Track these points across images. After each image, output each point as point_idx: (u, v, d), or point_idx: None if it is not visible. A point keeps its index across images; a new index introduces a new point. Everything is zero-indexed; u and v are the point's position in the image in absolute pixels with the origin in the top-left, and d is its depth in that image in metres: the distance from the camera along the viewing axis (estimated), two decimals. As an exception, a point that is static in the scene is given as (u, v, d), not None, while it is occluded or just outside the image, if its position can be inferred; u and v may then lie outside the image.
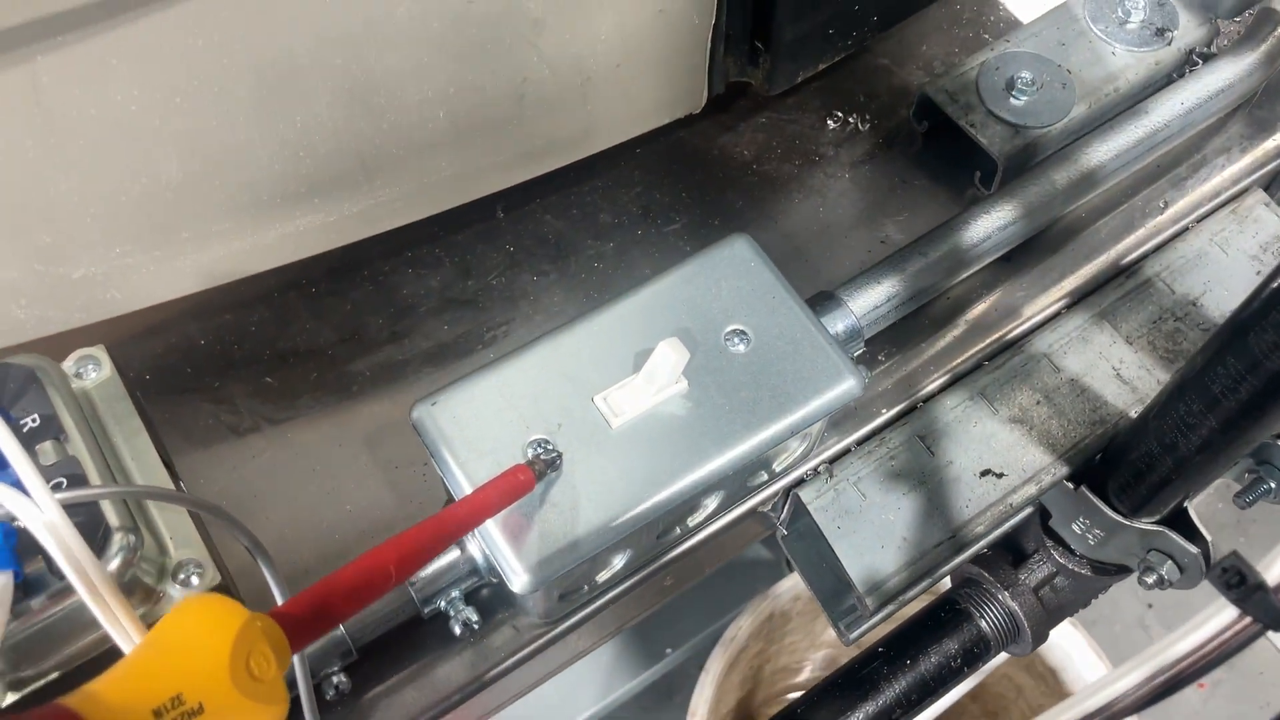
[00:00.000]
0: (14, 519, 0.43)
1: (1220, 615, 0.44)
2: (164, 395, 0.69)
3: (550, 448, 0.57)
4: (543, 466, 0.55)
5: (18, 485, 0.41)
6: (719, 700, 1.47)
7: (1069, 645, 1.52)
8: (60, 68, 0.50)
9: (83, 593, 0.40)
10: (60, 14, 0.48)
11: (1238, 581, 0.43)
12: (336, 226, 0.64)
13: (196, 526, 0.50)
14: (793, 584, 1.59)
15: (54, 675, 0.47)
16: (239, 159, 0.58)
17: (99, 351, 0.54)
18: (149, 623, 0.43)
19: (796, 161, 0.79)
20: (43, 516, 0.40)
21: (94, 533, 0.46)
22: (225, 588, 0.50)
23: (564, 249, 0.75)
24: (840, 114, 0.81)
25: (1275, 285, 0.51)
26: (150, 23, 0.51)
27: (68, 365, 0.53)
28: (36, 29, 0.48)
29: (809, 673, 1.80)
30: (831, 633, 1.73)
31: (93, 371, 0.53)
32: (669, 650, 1.82)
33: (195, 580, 0.48)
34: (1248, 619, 0.43)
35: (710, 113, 0.78)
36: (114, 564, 0.45)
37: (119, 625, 0.41)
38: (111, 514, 0.46)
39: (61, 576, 0.45)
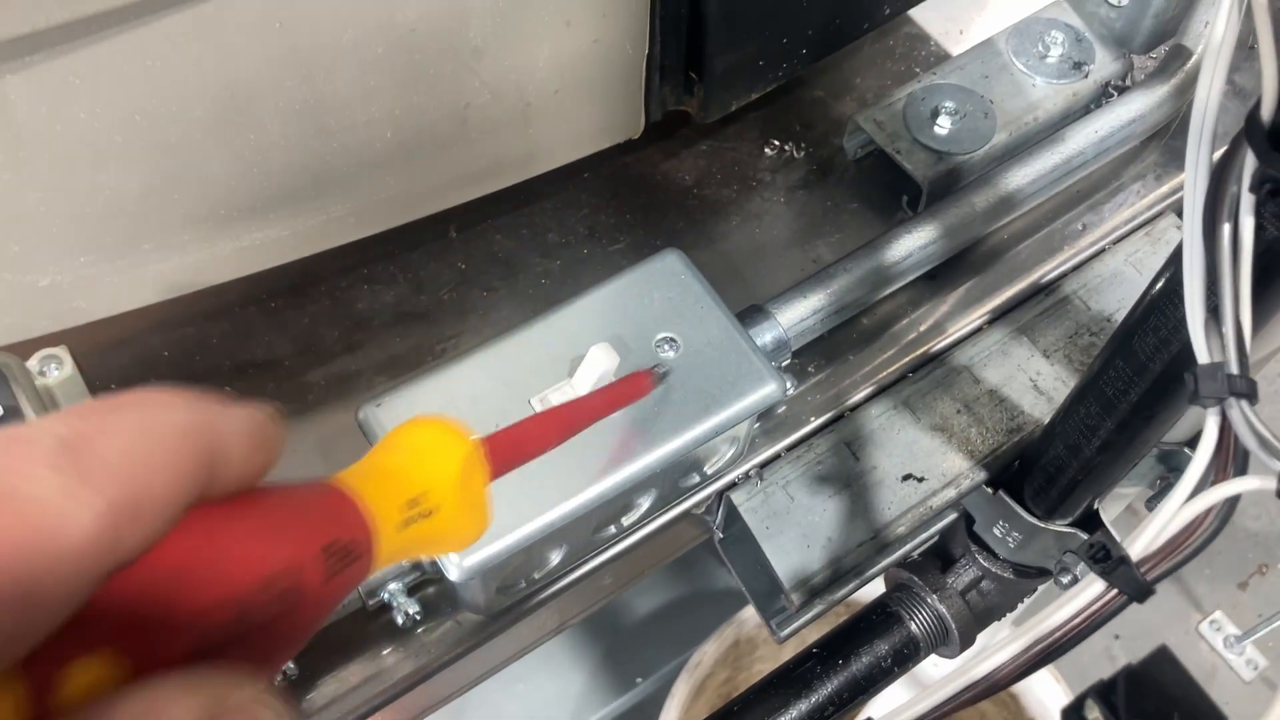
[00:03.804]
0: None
1: (1089, 589, 0.47)
2: (127, 403, 0.72)
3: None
4: (658, 377, 0.62)
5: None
6: (684, 727, 1.49)
7: (1028, 670, 1.55)
8: (26, 85, 0.54)
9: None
10: (25, 35, 0.52)
11: (1103, 556, 0.46)
12: (291, 241, 0.67)
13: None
14: (757, 610, 1.62)
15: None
16: (197, 174, 0.62)
17: (61, 351, 0.57)
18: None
19: (735, 187, 0.84)
20: None
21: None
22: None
23: (513, 267, 0.80)
24: (777, 142, 0.86)
25: (1155, 291, 0.55)
26: (110, 45, 0.54)
27: (31, 364, 0.56)
28: (4, 49, 0.52)
29: (776, 703, 1.81)
30: (798, 661, 1.76)
31: (55, 370, 0.57)
32: (639, 680, 1.84)
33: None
34: (1114, 591, 0.47)
35: (654, 140, 0.83)
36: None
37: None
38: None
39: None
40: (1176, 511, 0.45)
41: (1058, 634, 0.48)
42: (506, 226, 0.81)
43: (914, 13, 0.94)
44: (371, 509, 0.32)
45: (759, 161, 0.85)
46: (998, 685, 0.49)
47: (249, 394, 0.73)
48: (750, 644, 1.67)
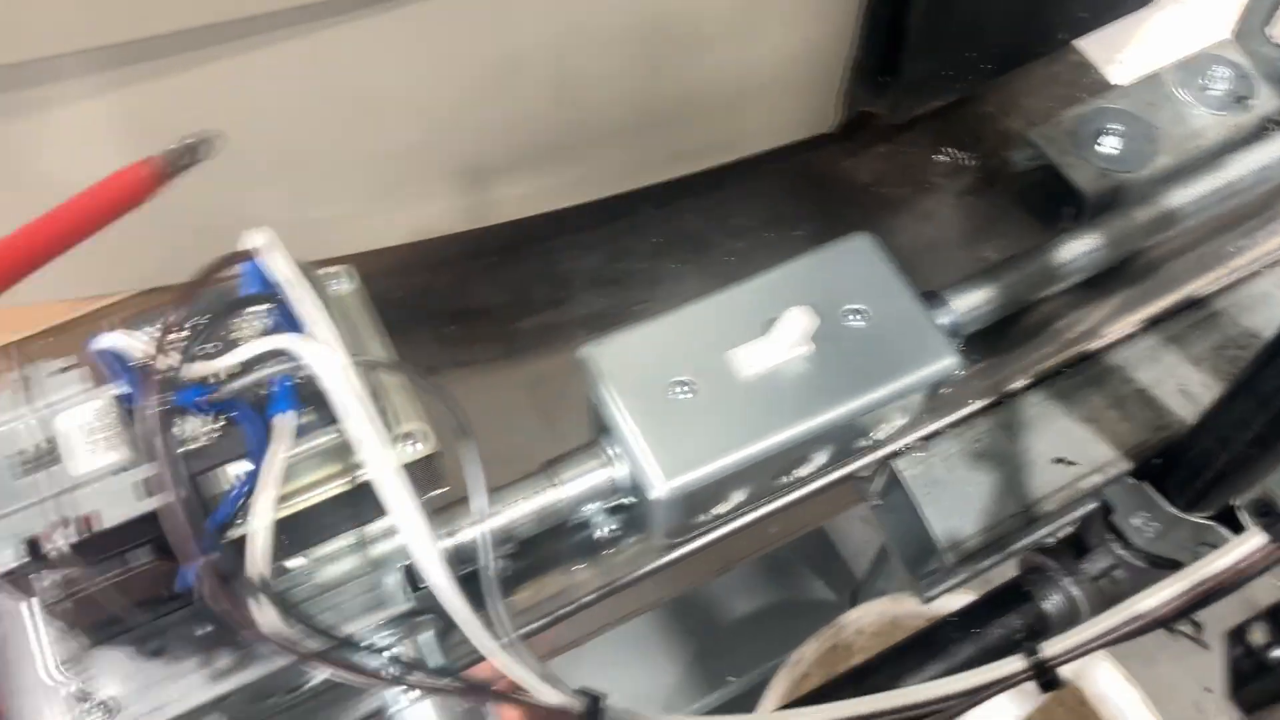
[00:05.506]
0: (294, 373, 0.55)
1: (1250, 542, 0.53)
2: (359, 335, 0.82)
3: None
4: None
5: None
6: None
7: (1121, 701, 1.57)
8: (335, 41, 0.63)
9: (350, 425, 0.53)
10: (345, -2, 0.61)
11: (1266, 511, 0.52)
12: (527, 198, 0.76)
13: (418, 408, 0.62)
14: (857, 616, 1.66)
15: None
16: (460, 132, 0.71)
17: (349, 270, 0.66)
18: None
19: (909, 188, 0.91)
20: (339, 361, 0.52)
21: (345, 398, 0.58)
22: (441, 454, 0.61)
23: (702, 244, 0.88)
24: (950, 151, 0.93)
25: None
26: (409, 11, 0.64)
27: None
28: (324, 8, 0.62)
29: (865, 713, 1.84)
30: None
31: (342, 284, 0.65)
32: (730, 678, 1.89)
33: (419, 446, 0.59)
34: (1274, 545, 0.53)
35: (836, 140, 0.91)
36: (361, 421, 0.57)
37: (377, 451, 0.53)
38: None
39: (326, 423, 0.57)
40: (1336, 474, 0.50)
41: (1218, 578, 0.54)
42: (698, 207, 0.89)
43: (1078, 43, 1.00)
44: None
45: (931, 167, 0.92)
46: (1157, 622, 0.55)
47: (467, 335, 0.83)
48: (846, 650, 1.70)
